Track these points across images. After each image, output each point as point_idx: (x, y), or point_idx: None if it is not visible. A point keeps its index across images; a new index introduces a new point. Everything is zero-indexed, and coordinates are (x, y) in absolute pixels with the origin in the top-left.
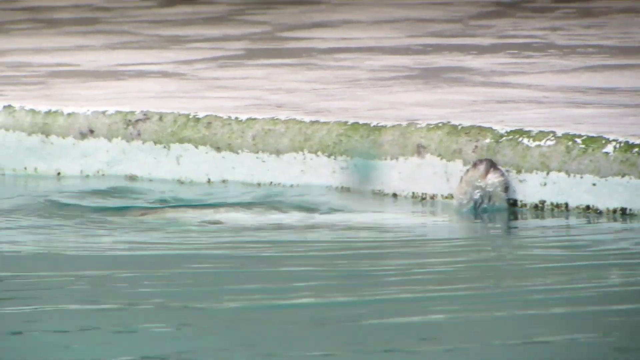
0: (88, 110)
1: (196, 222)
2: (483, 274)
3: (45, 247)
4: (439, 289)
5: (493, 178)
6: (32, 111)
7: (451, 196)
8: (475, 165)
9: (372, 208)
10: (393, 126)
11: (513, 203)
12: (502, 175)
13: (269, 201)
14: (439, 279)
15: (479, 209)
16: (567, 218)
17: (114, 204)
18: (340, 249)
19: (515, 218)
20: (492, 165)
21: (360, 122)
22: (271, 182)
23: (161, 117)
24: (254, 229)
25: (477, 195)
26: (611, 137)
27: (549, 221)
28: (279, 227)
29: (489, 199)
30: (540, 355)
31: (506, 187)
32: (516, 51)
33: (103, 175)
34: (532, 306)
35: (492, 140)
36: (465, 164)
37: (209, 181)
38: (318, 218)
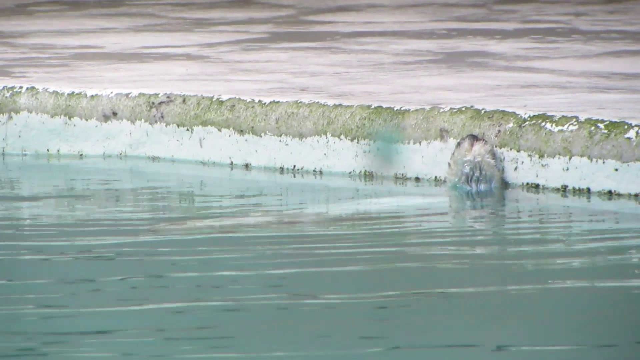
0: (111, 93)
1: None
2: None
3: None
4: None
5: (478, 148)
6: (56, 93)
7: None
8: (458, 144)
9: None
10: (416, 110)
11: (535, 187)
12: (486, 143)
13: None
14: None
15: (472, 182)
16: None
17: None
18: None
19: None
20: (474, 138)
21: (384, 105)
22: (294, 166)
23: (184, 99)
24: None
25: (466, 168)
26: (634, 123)
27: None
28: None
29: (480, 170)
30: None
31: (493, 154)
32: (540, 36)
33: (125, 157)
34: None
35: (515, 125)
36: None
37: (231, 164)
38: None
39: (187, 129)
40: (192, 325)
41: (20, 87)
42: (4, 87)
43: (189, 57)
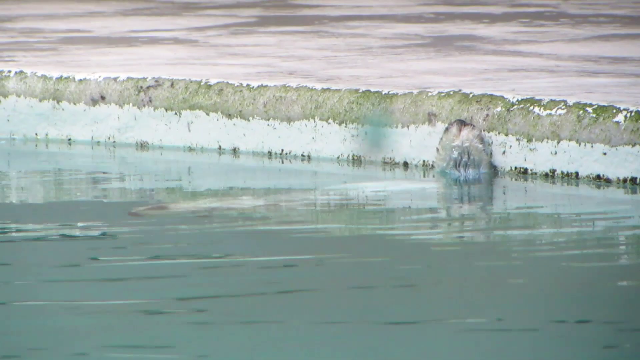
0: (99, 77)
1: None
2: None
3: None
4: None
5: (466, 133)
6: (44, 77)
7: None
8: (446, 129)
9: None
10: (404, 94)
11: (524, 171)
12: (474, 128)
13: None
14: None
15: (460, 167)
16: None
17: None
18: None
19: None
20: (462, 123)
21: (372, 89)
22: (282, 150)
23: (173, 83)
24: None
25: (455, 153)
26: (622, 107)
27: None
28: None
29: (468, 155)
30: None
31: (481, 139)
32: (528, 20)
33: (114, 142)
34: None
35: (503, 109)
36: None
37: (219, 148)
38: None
39: (175, 113)
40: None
41: (9, 71)
42: None
43: (177, 41)
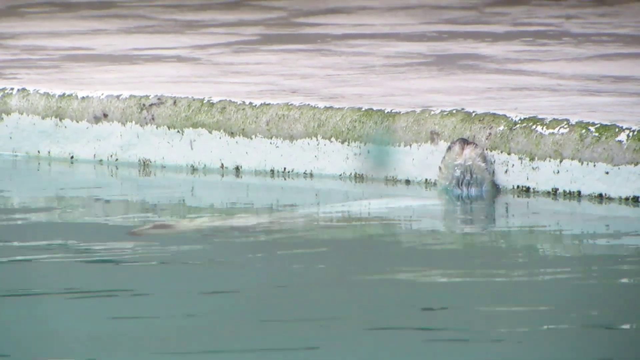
0: (102, 94)
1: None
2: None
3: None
4: None
5: (469, 152)
6: (47, 94)
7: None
8: (449, 148)
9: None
10: (407, 113)
11: (526, 190)
12: (477, 147)
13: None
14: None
15: (462, 185)
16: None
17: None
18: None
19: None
20: (465, 142)
21: (374, 108)
22: (284, 168)
23: (175, 101)
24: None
25: (457, 172)
26: (625, 126)
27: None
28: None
29: (471, 173)
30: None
31: (484, 158)
32: (531, 39)
33: (116, 159)
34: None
35: (506, 128)
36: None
37: (222, 166)
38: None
39: (178, 131)
40: (161, 334)
41: (12, 89)
42: None
43: (179, 59)
